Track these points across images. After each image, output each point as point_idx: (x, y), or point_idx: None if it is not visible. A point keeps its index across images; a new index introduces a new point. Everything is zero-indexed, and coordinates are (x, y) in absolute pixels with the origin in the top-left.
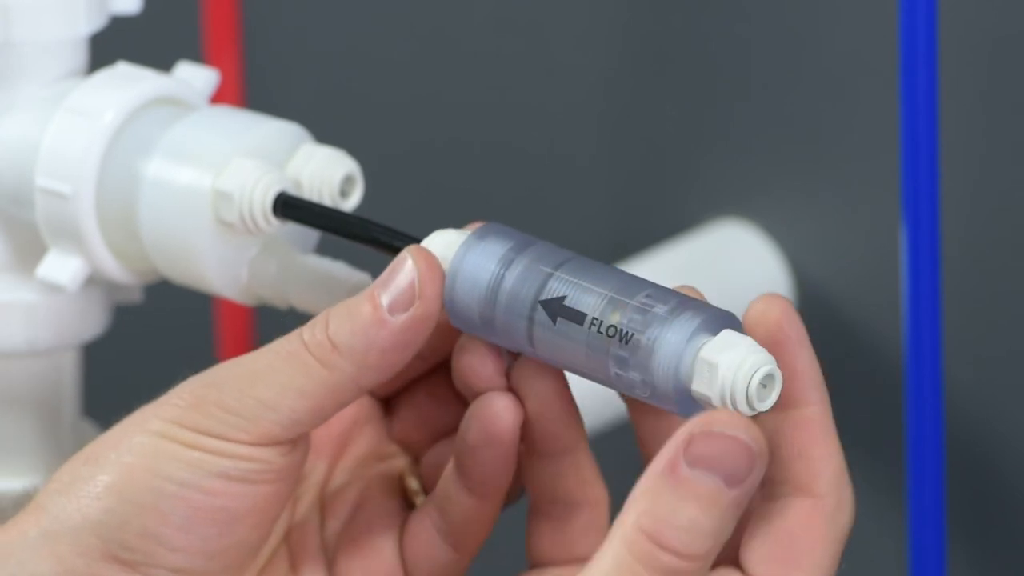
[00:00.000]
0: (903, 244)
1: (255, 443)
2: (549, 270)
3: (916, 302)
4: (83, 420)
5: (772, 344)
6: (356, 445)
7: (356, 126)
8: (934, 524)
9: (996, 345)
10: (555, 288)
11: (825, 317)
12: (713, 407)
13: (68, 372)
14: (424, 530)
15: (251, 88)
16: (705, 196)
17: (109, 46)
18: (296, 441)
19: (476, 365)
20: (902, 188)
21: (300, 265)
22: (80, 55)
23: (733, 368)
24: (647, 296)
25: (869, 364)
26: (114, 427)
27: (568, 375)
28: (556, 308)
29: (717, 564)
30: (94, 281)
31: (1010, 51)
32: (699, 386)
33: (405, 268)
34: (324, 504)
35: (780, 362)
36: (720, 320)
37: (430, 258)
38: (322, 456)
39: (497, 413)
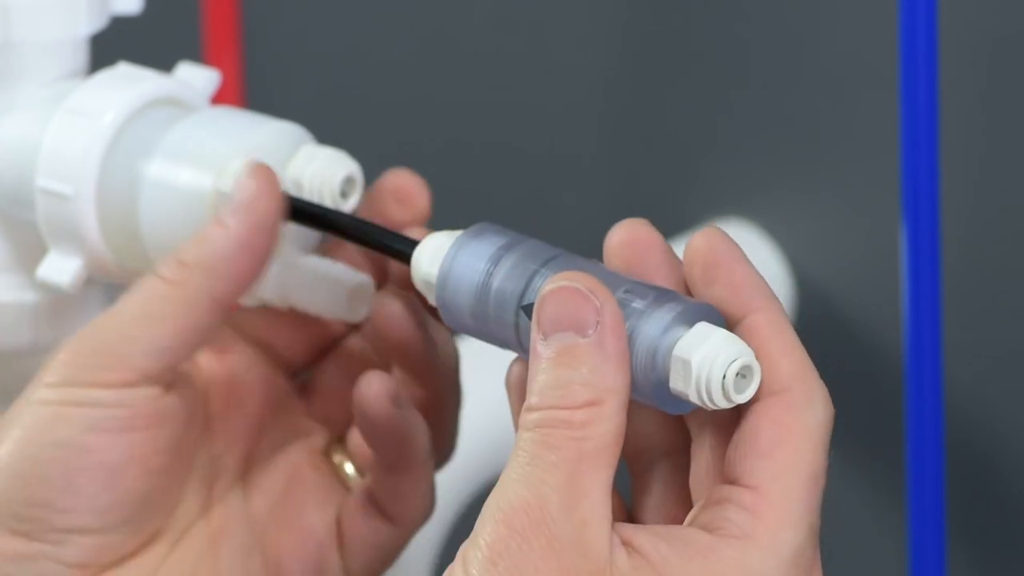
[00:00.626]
0: (903, 244)
1: (126, 383)
2: (535, 267)
3: (916, 302)
4: None
5: (708, 268)
6: (274, 425)
7: (356, 126)
8: (934, 524)
9: (996, 345)
10: (539, 286)
11: (825, 317)
12: (692, 403)
13: None
14: (359, 506)
15: (251, 88)
16: (705, 196)
17: (110, 46)
18: (170, 383)
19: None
20: (902, 188)
21: (300, 265)
22: (81, 55)
23: (707, 363)
24: (625, 292)
25: (869, 364)
26: (13, 403)
27: None
28: None
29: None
30: (94, 281)
31: (1010, 51)
32: (675, 383)
33: (240, 181)
34: (246, 483)
35: (719, 281)
36: (697, 312)
37: (264, 169)
38: (237, 438)
39: (366, 390)
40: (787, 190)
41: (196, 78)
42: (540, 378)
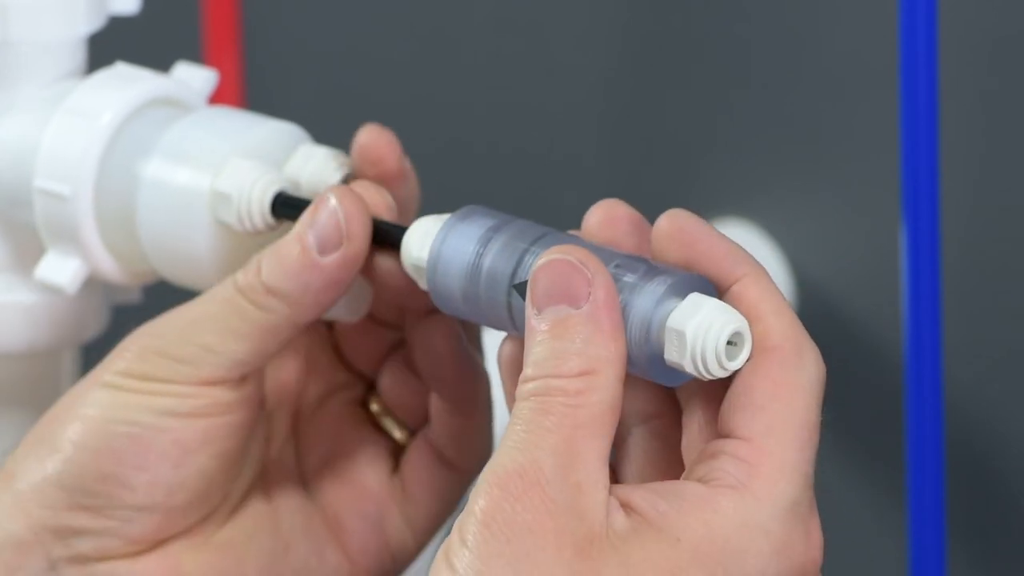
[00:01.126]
0: (903, 244)
1: (202, 383)
2: (525, 246)
3: (916, 302)
4: None
5: (685, 247)
6: (315, 378)
7: (356, 126)
8: (934, 524)
9: (996, 345)
10: (531, 264)
11: (825, 317)
12: (687, 374)
13: (67, 372)
14: (420, 454)
15: (251, 88)
16: (705, 196)
17: (110, 46)
18: (242, 381)
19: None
20: (902, 188)
21: None
22: (79, 55)
23: (702, 332)
24: (616, 266)
25: (869, 364)
26: (68, 392)
27: None
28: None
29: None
30: (93, 282)
31: (1010, 51)
32: (670, 355)
33: (329, 208)
34: (298, 439)
35: (700, 257)
36: (689, 284)
37: (354, 196)
38: (287, 392)
39: (433, 329)
40: (787, 190)
41: (194, 78)
42: (535, 350)
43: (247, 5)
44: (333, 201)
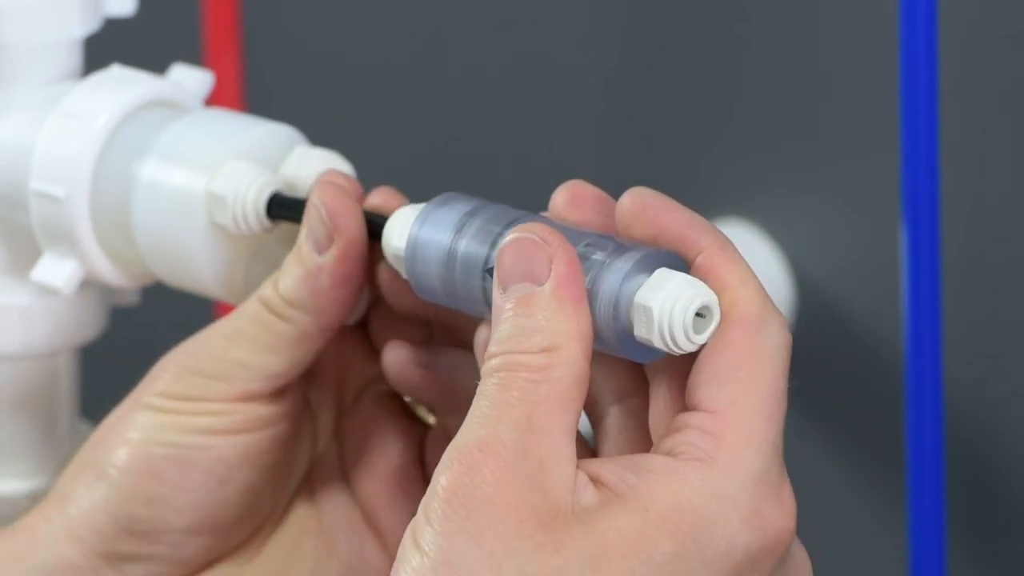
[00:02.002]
0: (903, 244)
1: (239, 399)
2: (498, 230)
3: (916, 302)
4: (80, 422)
5: (647, 222)
6: (353, 375)
7: (356, 127)
8: (934, 524)
9: (996, 345)
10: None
11: (825, 317)
12: (656, 349)
13: (65, 374)
14: (440, 443)
15: (251, 89)
16: (705, 196)
17: (110, 47)
18: (280, 392)
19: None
20: (902, 188)
21: None
22: (75, 57)
23: (668, 307)
24: (586, 245)
25: (869, 364)
26: (113, 411)
27: None
28: None
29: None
30: (90, 284)
31: (1010, 51)
32: (639, 330)
33: (312, 207)
34: (340, 437)
35: (663, 230)
36: (657, 259)
37: (335, 191)
38: (328, 392)
39: (386, 365)
40: (787, 190)
41: (190, 80)
42: (500, 327)
43: (247, 5)
44: (315, 199)
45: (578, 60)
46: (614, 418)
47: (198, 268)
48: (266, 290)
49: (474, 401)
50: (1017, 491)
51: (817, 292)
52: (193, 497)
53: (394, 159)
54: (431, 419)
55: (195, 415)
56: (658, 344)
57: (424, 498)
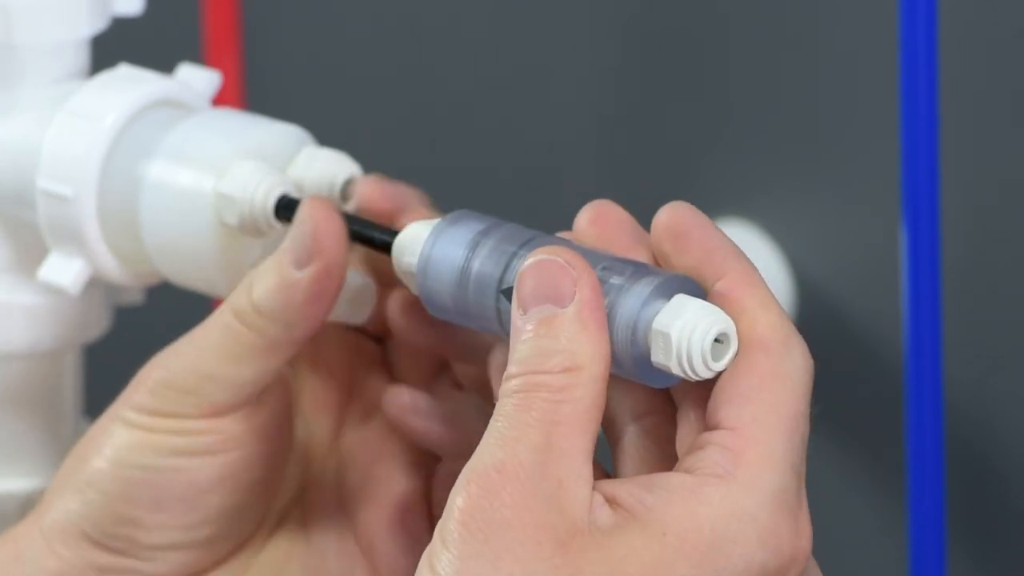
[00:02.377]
0: (903, 244)
1: (206, 415)
2: (513, 250)
3: (916, 302)
4: (84, 421)
5: (677, 239)
6: (361, 394)
7: (356, 127)
8: (934, 524)
9: (996, 345)
10: (519, 268)
11: (825, 317)
12: (674, 375)
13: (69, 373)
14: (446, 481)
15: (251, 89)
16: (705, 196)
17: (110, 47)
18: (256, 407)
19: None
20: (902, 188)
21: None
22: (82, 57)
23: (687, 334)
24: (603, 268)
25: (869, 364)
26: (100, 417)
27: None
28: None
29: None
30: (95, 282)
31: (1010, 51)
32: (656, 356)
33: (299, 222)
34: (339, 456)
35: (690, 250)
36: (674, 284)
37: (326, 209)
38: (327, 409)
39: (389, 409)
40: (787, 190)
41: (197, 79)
42: (520, 348)
43: (247, 5)
44: (303, 215)
45: (578, 60)
46: (632, 437)
47: (205, 268)
48: (239, 299)
49: (491, 422)
50: (1017, 491)
51: (817, 292)
52: (165, 519)
53: (394, 159)
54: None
55: (167, 434)
56: (676, 370)
57: (440, 521)
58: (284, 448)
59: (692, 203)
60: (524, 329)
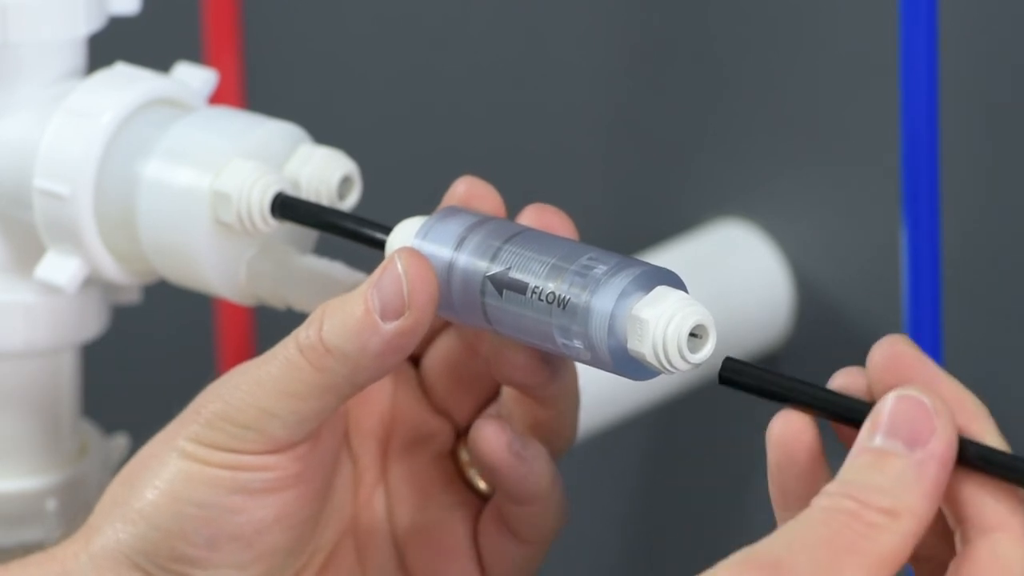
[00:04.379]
0: (903, 244)
1: (266, 451)
2: (498, 244)
3: (916, 302)
4: (82, 420)
5: (899, 370)
6: (402, 423)
7: (356, 126)
8: None
9: (996, 345)
10: (504, 260)
11: (825, 317)
12: (649, 364)
13: (67, 372)
14: (492, 522)
15: (251, 88)
16: (705, 196)
17: (110, 47)
18: (313, 442)
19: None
20: (902, 188)
21: (298, 265)
22: (79, 56)
23: (663, 322)
24: (588, 259)
25: None
26: (150, 441)
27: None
28: (502, 280)
29: None
30: (93, 282)
31: (1010, 51)
32: (633, 343)
33: (395, 273)
34: (388, 490)
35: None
36: (656, 277)
37: (421, 262)
38: (371, 435)
39: (481, 440)
40: (787, 190)
41: (194, 78)
42: (853, 470)
43: (247, 5)
44: (399, 267)
45: (578, 60)
46: None
47: (202, 266)
48: (308, 334)
49: (794, 519)
50: None
51: (817, 292)
52: (220, 557)
53: (394, 159)
54: (481, 484)
55: (224, 468)
56: (651, 358)
57: None
58: (333, 480)
59: (692, 203)
60: (867, 451)
